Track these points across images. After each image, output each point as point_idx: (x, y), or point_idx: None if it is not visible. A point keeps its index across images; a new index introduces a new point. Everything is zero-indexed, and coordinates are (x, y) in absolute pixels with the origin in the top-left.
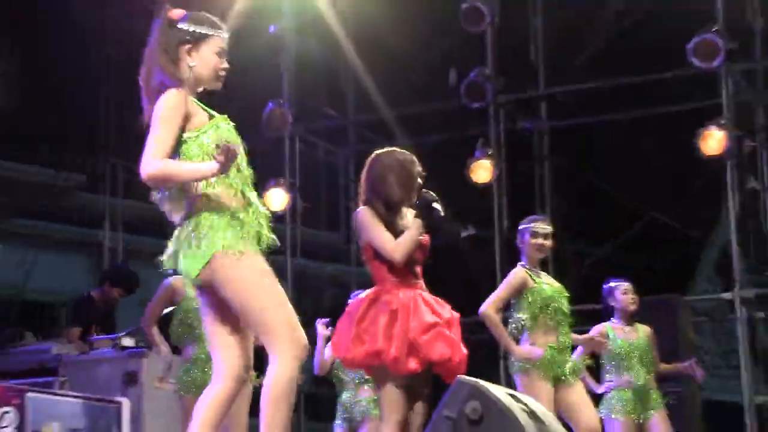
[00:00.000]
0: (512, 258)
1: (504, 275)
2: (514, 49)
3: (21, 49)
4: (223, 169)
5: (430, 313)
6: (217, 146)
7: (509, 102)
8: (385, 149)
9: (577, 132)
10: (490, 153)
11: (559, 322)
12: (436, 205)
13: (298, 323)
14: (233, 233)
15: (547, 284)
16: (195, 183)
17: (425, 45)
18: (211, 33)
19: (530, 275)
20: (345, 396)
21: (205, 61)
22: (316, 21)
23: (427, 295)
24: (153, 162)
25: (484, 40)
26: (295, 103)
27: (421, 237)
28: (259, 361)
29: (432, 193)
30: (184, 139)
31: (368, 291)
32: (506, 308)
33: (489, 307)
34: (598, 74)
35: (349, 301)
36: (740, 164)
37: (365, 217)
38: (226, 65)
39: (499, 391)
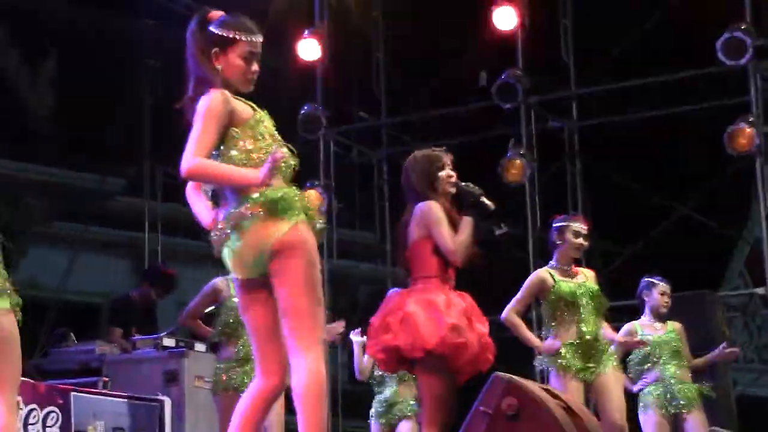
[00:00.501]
0: (545, 255)
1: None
2: (544, 49)
3: (64, 57)
4: (265, 180)
5: (480, 318)
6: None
7: (540, 102)
8: (416, 151)
9: (607, 131)
10: (521, 152)
11: (580, 319)
12: (485, 199)
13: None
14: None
15: (570, 282)
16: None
17: (456, 47)
18: (238, 37)
19: (551, 275)
20: (383, 394)
21: (232, 65)
22: (349, 24)
23: (468, 298)
24: (192, 160)
25: (515, 41)
26: (329, 106)
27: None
28: None
29: (474, 186)
30: (232, 135)
31: (418, 286)
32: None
33: (508, 311)
34: (627, 73)
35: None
36: None
37: (435, 211)
38: (255, 69)
39: (534, 387)
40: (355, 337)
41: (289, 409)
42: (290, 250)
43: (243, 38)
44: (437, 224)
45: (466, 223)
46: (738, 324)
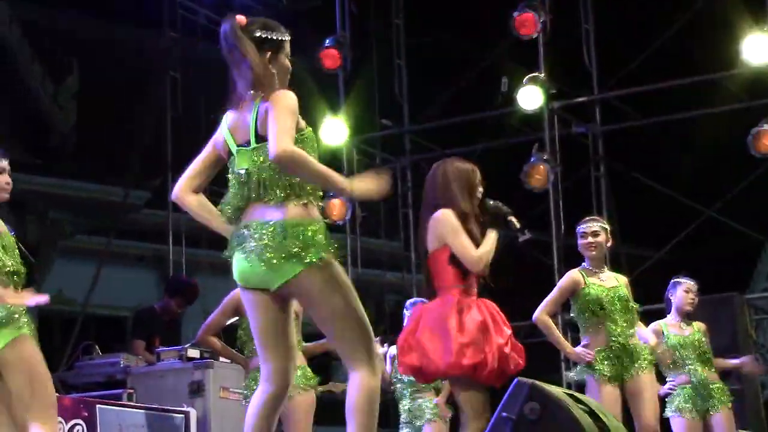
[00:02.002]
0: (569, 261)
1: (561, 278)
2: (566, 54)
3: (86, 72)
4: (353, 191)
5: (504, 324)
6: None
7: (563, 107)
8: (446, 159)
9: (631, 134)
10: (545, 158)
11: (610, 323)
12: (512, 219)
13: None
14: (330, 242)
15: (600, 284)
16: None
17: (477, 52)
18: (284, 38)
19: (583, 276)
20: (407, 402)
21: (283, 66)
22: (370, 31)
23: (491, 303)
24: (292, 146)
25: (537, 47)
26: (351, 114)
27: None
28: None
29: (503, 205)
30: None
31: (439, 299)
32: (563, 310)
33: (540, 312)
34: (650, 76)
35: (407, 308)
36: None
37: (450, 220)
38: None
39: (557, 391)
40: (378, 347)
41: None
42: (302, 292)
43: (286, 38)
44: (455, 234)
45: (491, 236)
46: (765, 326)
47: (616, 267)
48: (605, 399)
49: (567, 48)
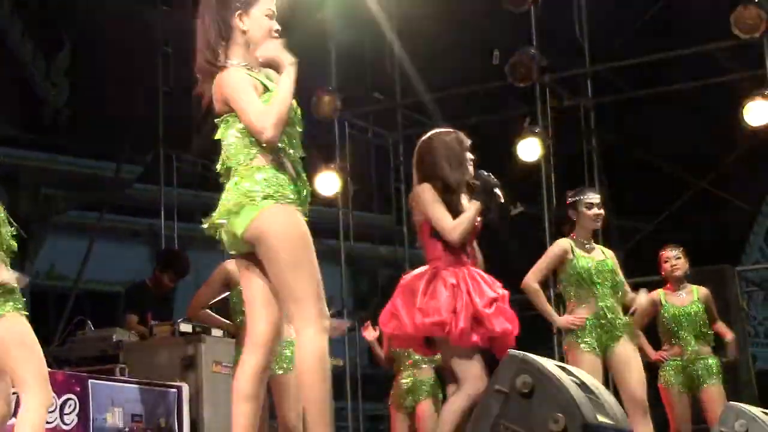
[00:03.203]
0: (562, 234)
1: None
2: (558, 27)
3: (77, 47)
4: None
5: (488, 288)
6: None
7: (554, 80)
8: (433, 131)
9: (622, 107)
10: (537, 131)
11: (597, 294)
12: (498, 191)
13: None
14: (288, 189)
15: (588, 257)
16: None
17: (469, 26)
18: None
19: (573, 247)
20: (401, 376)
21: (257, 23)
22: (360, 6)
23: (480, 271)
24: (273, 128)
25: (528, 20)
26: (343, 88)
27: (477, 220)
28: None
29: (493, 177)
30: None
31: (422, 268)
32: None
33: (528, 277)
34: (641, 49)
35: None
36: None
37: (426, 194)
38: (278, 27)
39: (549, 364)
40: (367, 333)
41: None
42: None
43: None
44: (430, 205)
45: (474, 206)
46: (757, 299)
47: (607, 240)
48: (586, 369)
49: (559, 21)
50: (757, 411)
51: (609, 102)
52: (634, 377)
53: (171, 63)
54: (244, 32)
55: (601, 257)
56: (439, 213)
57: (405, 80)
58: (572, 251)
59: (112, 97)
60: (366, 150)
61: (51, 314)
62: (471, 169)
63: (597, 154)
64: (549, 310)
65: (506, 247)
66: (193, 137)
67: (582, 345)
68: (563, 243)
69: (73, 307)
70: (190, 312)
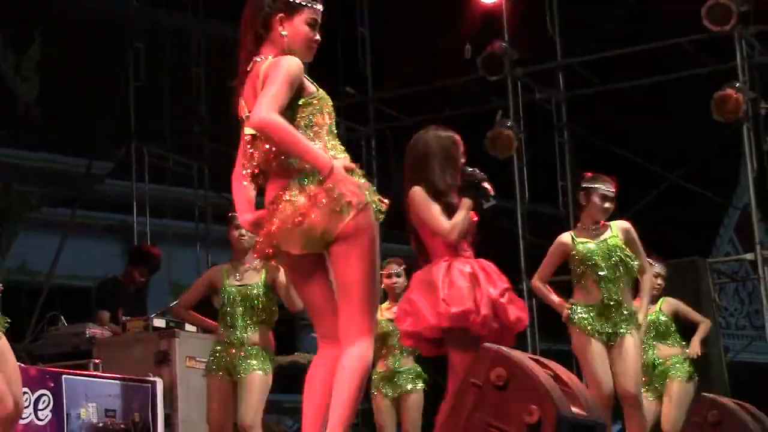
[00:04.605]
0: (534, 228)
1: (526, 245)
2: (530, 20)
3: (48, 41)
4: (334, 174)
5: (498, 278)
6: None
7: (526, 74)
8: (426, 129)
9: (594, 101)
10: (509, 125)
11: (600, 280)
12: (486, 185)
13: None
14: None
15: (592, 242)
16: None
17: (441, 20)
18: (304, 3)
19: (573, 238)
20: (387, 366)
21: (297, 31)
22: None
23: (486, 262)
24: (270, 113)
25: (500, 14)
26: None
27: (471, 216)
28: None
29: (479, 171)
30: (300, 104)
31: (428, 265)
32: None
33: (534, 278)
34: (613, 42)
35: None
36: (756, 127)
37: (419, 197)
38: (317, 37)
39: (523, 357)
40: None
41: None
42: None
43: (308, 4)
44: (425, 209)
45: (465, 204)
46: (729, 290)
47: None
48: (589, 355)
49: (530, 14)
50: (729, 402)
51: (580, 95)
52: (630, 371)
53: (142, 57)
54: (282, 36)
55: (608, 235)
56: (434, 215)
57: (376, 74)
58: (573, 242)
59: (83, 93)
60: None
61: (23, 310)
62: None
63: (568, 147)
64: (555, 301)
65: (479, 241)
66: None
67: (582, 331)
68: (562, 237)
69: (45, 303)
70: (177, 310)
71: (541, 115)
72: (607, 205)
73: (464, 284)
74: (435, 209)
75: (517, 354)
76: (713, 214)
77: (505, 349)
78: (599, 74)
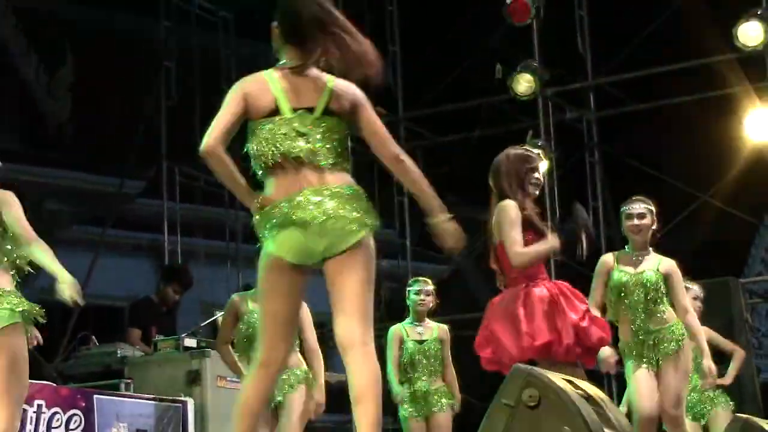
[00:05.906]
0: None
1: (557, 265)
2: (560, 40)
3: (80, 62)
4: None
5: (577, 300)
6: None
7: (557, 93)
8: (509, 148)
9: (625, 120)
10: (540, 144)
11: (630, 313)
12: (584, 235)
13: None
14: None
15: (628, 271)
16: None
17: (472, 40)
18: None
19: (616, 260)
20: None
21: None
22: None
23: (563, 283)
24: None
25: (530, 34)
26: None
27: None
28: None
29: (585, 215)
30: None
31: (503, 291)
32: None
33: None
34: (644, 62)
35: (411, 287)
36: None
37: (509, 211)
38: None
39: (555, 378)
40: None
41: None
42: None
43: None
44: (508, 225)
45: (550, 242)
46: (761, 311)
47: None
48: (635, 381)
49: (561, 34)
50: (762, 423)
51: (612, 115)
52: (670, 392)
53: (173, 77)
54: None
55: (647, 267)
56: (513, 234)
57: (407, 93)
58: (615, 264)
59: (115, 112)
60: (368, 164)
61: (55, 329)
62: (535, 189)
63: (599, 167)
64: None
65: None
66: None
67: (626, 357)
68: (605, 257)
69: (76, 323)
70: (218, 347)
71: (571, 134)
72: (630, 223)
73: (542, 314)
74: (517, 231)
75: (549, 375)
76: (745, 233)
77: (537, 369)
78: (630, 93)
